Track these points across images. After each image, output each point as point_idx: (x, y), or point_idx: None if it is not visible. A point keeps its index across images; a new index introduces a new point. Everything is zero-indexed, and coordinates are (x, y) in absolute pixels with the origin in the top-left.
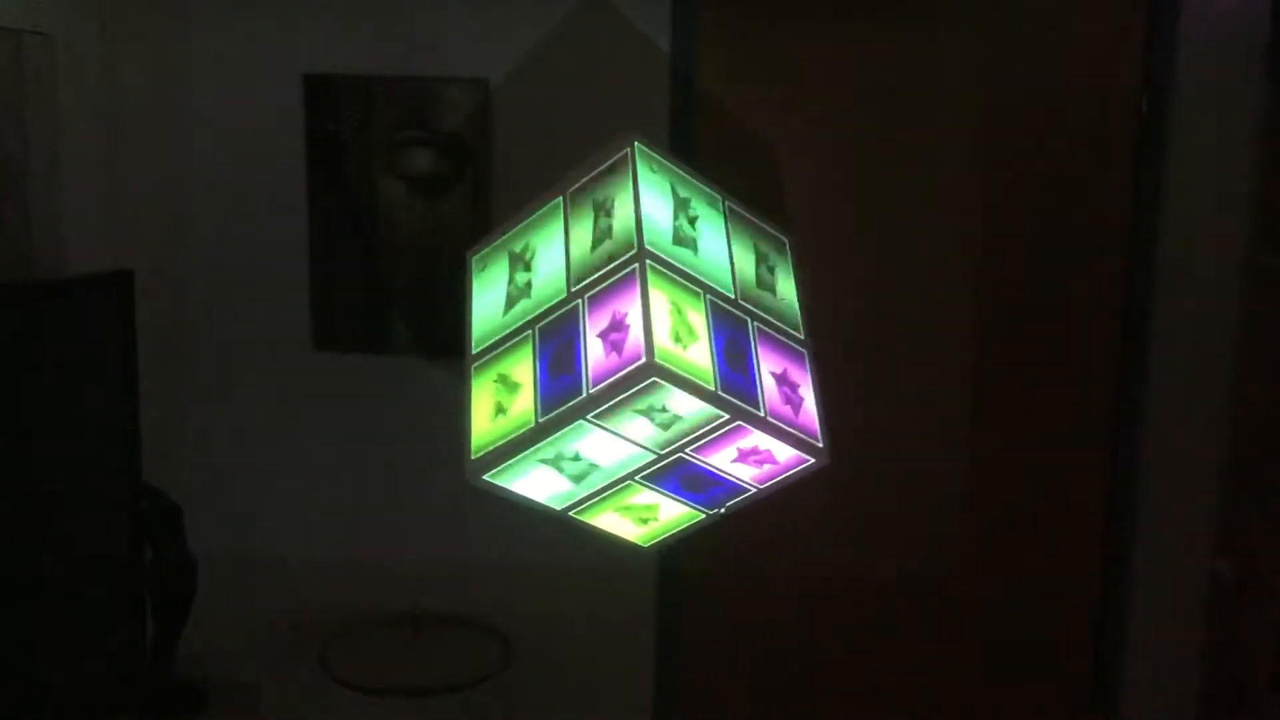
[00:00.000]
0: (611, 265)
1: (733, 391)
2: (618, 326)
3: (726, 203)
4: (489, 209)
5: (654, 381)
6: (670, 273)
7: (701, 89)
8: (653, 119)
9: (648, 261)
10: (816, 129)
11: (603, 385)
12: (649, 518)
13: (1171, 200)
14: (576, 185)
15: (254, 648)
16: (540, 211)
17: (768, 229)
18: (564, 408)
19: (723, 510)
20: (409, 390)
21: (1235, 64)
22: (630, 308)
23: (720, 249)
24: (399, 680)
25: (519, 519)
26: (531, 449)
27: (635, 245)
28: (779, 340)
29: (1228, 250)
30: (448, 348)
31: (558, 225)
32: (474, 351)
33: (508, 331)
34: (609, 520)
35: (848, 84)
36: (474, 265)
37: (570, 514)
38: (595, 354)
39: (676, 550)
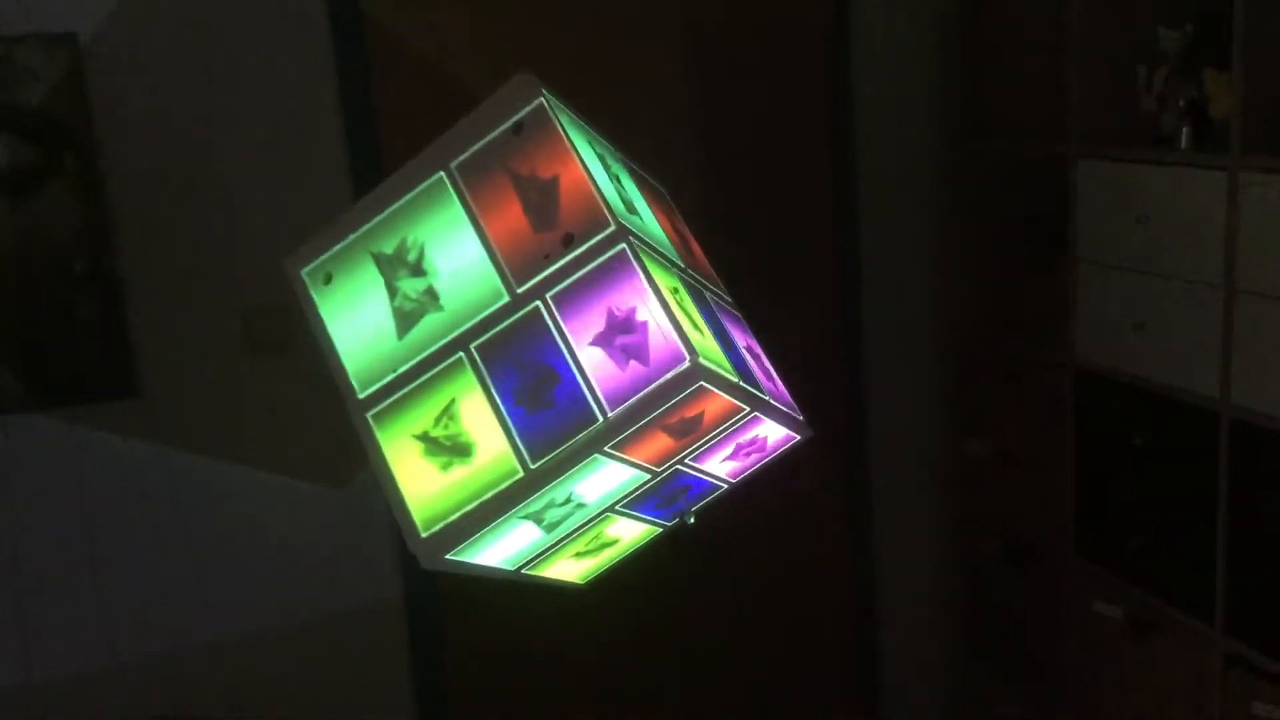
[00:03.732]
0: (578, 251)
1: (745, 380)
2: (626, 327)
3: (619, 154)
4: (105, 204)
5: (701, 387)
6: (649, 250)
7: (369, 19)
8: (311, 65)
9: (633, 238)
10: (502, 41)
11: (632, 402)
12: (604, 550)
13: (868, 92)
14: (466, 155)
15: None
16: (411, 195)
17: (649, 179)
18: (573, 441)
19: (691, 519)
20: (35, 455)
21: None
22: (632, 301)
23: (648, 212)
24: None
25: (212, 588)
26: (522, 504)
27: (610, 222)
28: (728, 310)
29: (926, 136)
30: (78, 390)
31: (454, 209)
32: (362, 396)
33: (419, 360)
34: (560, 568)
35: None
36: (310, 280)
37: (524, 571)
38: (598, 366)
39: (425, 577)
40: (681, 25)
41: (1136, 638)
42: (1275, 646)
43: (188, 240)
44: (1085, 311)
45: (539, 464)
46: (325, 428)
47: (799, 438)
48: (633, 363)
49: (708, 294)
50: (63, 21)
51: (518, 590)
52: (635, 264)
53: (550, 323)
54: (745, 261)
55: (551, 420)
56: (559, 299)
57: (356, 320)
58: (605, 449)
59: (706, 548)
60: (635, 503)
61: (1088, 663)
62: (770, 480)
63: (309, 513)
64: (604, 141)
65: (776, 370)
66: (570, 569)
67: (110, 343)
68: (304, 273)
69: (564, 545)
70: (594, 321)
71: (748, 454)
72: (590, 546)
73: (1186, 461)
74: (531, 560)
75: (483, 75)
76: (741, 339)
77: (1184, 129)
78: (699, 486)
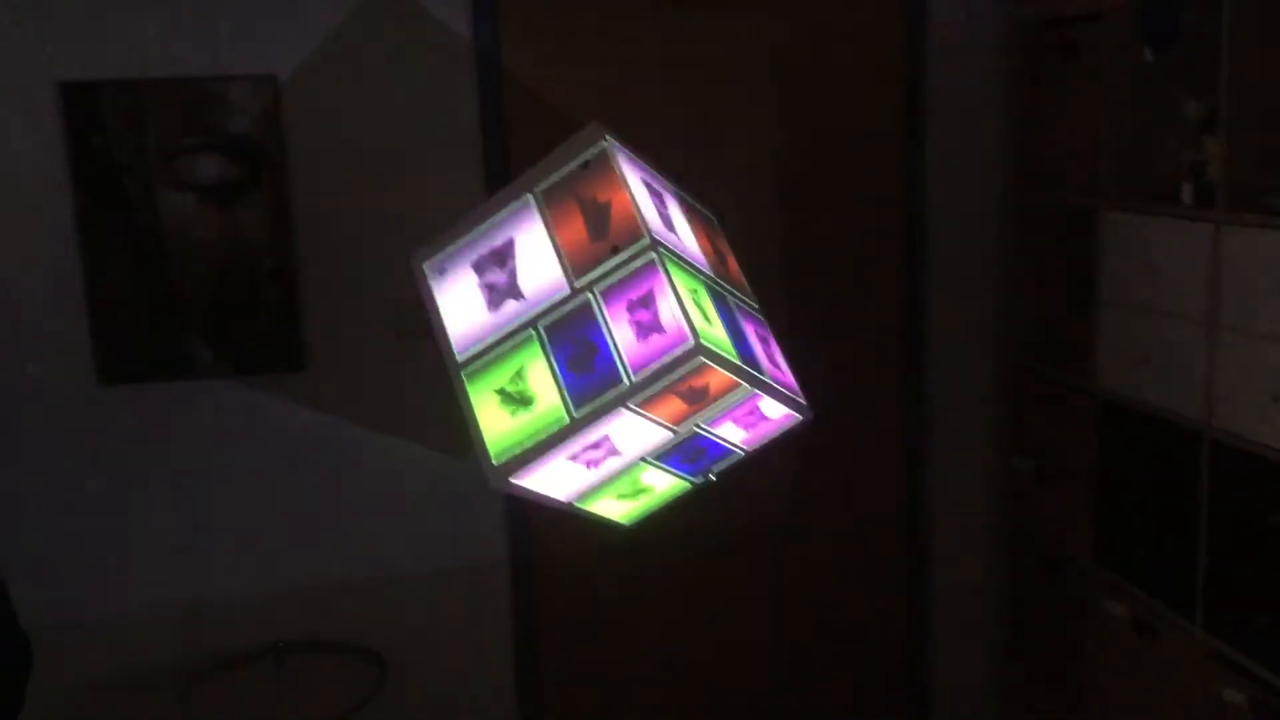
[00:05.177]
0: (622, 257)
1: (748, 363)
2: (649, 314)
3: (675, 187)
4: (290, 213)
5: (701, 362)
6: (676, 259)
7: (508, 73)
8: (460, 108)
9: (661, 249)
10: (627, 106)
11: (648, 371)
12: (640, 495)
13: (938, 148)
14: (547, 183)
15: (107, 710)
16: (503, 212)
17: (700, 208)
18: (605, 397)
19: (713, 476)
20: (220, 414)
21: (979, 28)
22: (656, 295)
23: (688, 232)
24: (272, 716)
25: (355, 535)
26: (564, 443)
27: (645, 236)
28: (748, 311)
29: (988, 188)
30: (258, 363)
31: (535, 222)
32: (459, 359)
33: (503, 334)
34: (605, 505)
35: (653, 58)
36: (429, 271)
37: (575, 504)
38: (627, 343)
39: (527, 533)
40: (769, 69)
41: (1140, 636)
42: (1244, 642)
43: (351, 245)
44: (1107, 345)
45: (579, 413)
46: (450, 405)
47: (800, 417)
48: (653, 340)
49: (731, 299)
50: (266, 65)
51: (599, 559)
52: (660, 268)
53: (597, 309)
54: (822, 294)
55: (592, 382)
56: (605, 292)
57: (459, 302)
58: (629, 405)
59: (776, 546)
60: (663, 456)
61: (1103, 660)
62: (837, 490)
63: (435, 477)
64: (659, 177)
65: (825, 375)
66: (614, 508)
67: (285, 326)
68: (425, 265)
69: (606, 486)
70: (628, 309)
71: (753, 425)
72: (628, 491)
73: (1175, 477)
74: (580, 495)
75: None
76: (756, 333)
77: (1187, 187)
78: (717, 449)
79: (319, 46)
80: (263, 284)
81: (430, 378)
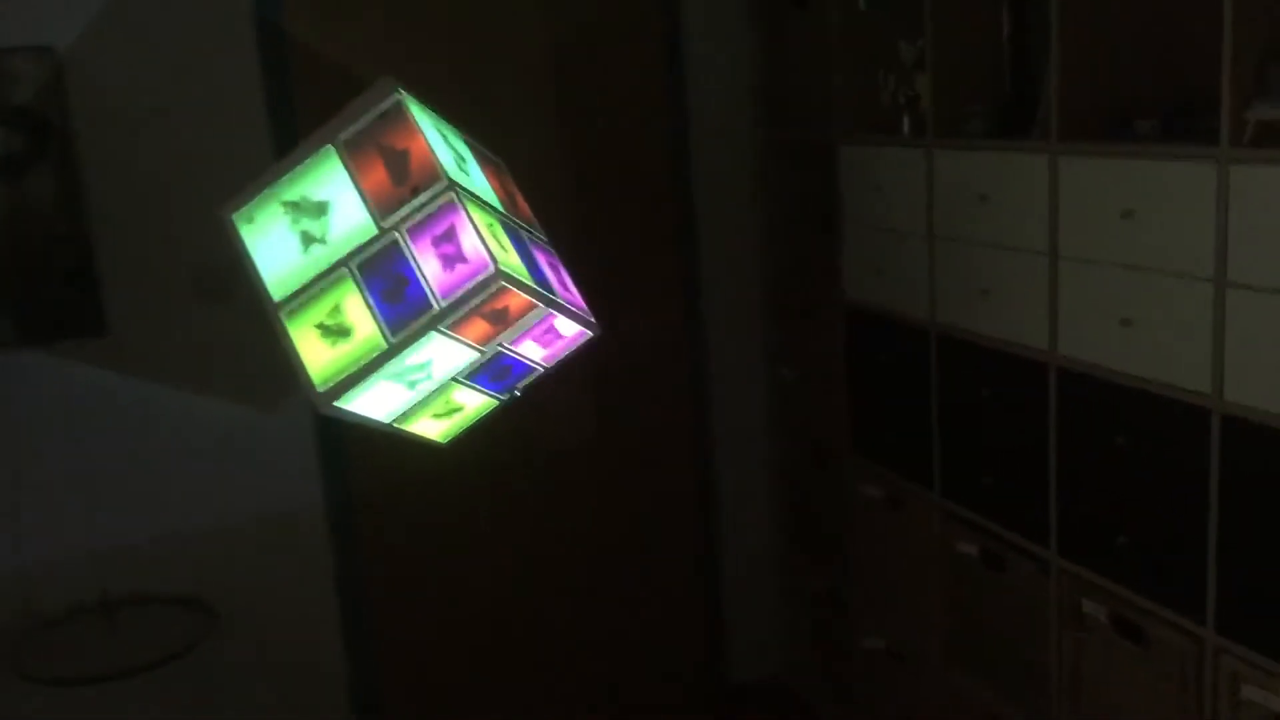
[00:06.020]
0: (423, 198)
1: (542, 286)
2: (453, 247)
3: (462, 135)
4: (81, 181)
5: (501, 286)
6: (472, 197)
7: (291, 36)
8: (244, 69)
9: (458, 189)
10: (412, 63)
11: (455, 296)
12: (454, 414)
13: (699, 97)
14: (347, 134)
15: None
16: (310, 160)
17: (487, 153)
18: (418, 323)
19: (517, 392)
20: (25, 382)
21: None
22: (457, 230)
23: (479, 174)
24: (100, 667)
25: (173, 491)
26: (384, 367)
27: (443, 178)
28: (538, 242)
29: (745, 129)
30: (59, 331)
31: (339, 170)
32: (279, 299)
33: (317, 274)
34: (423, 425)
35: (435, 15)
36: (238, 221)
37: (395, 425)
38: (434, 274)
39: (342, 475)
40: (540, 43)
41: (892, 510)
42: (974, 503)
43: (146, 208)
44: (850, 261)
45: (395, 339)
46: (259, 361)
47: (591, 333)
48: (458, 269)
49: (522, 231)
50: (44, 36)
51: (414, 492)
52: (459, 205)
53: (404, 246)
54: (606, 231)
55: (405, 310)
56: (410, 230)
57: (271, 249)
58: (440, 328)
59: (581, 460)
60: (473, 376)
61: (864, 533)
62: (632, 406)
63: (246, 430)
64: (450, 125)
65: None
66: (431, 427)
67: (84, 293)
68: (234, 216)
69: (422, 406)
70: (432, 244)
71: (550, 343)
72: (443, 410)
73: (910, 369)
74: (399, 416)
75: (375, 76)
76: (546, 261)
77: (905, 119)
78: (520, 367)
79: (97, 15)
80: (58, 253)
81: (235, 334)
